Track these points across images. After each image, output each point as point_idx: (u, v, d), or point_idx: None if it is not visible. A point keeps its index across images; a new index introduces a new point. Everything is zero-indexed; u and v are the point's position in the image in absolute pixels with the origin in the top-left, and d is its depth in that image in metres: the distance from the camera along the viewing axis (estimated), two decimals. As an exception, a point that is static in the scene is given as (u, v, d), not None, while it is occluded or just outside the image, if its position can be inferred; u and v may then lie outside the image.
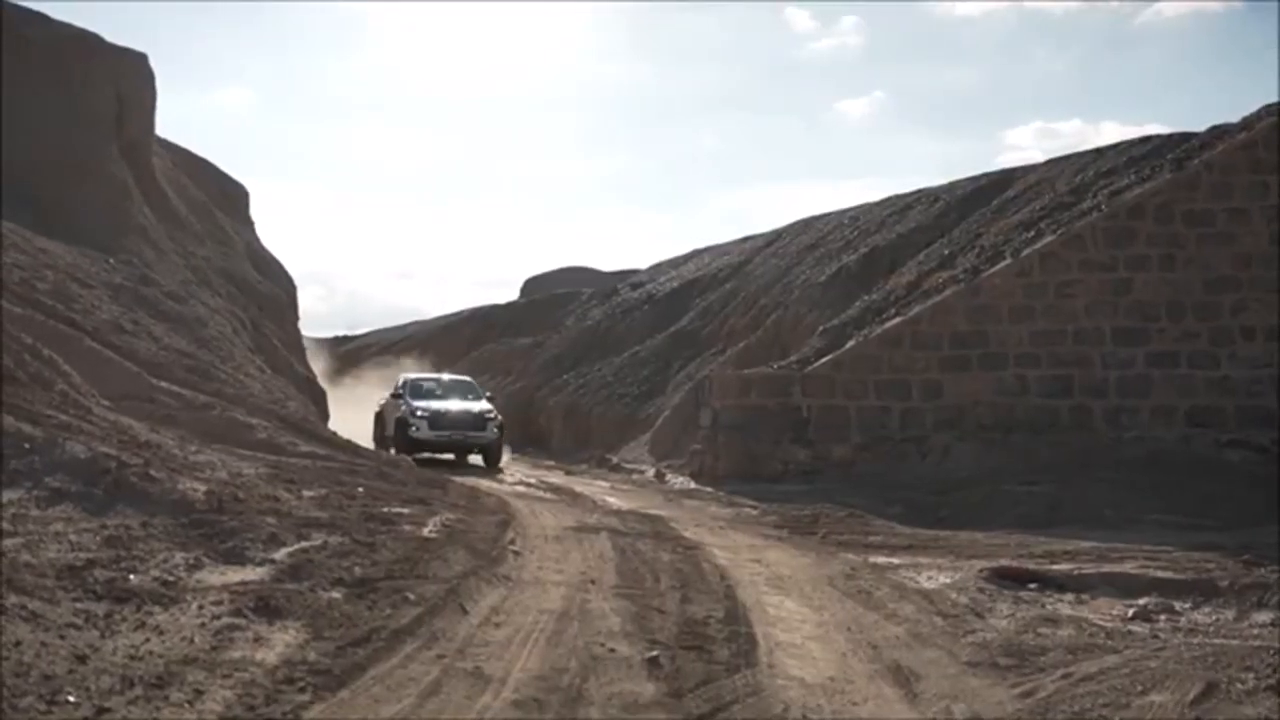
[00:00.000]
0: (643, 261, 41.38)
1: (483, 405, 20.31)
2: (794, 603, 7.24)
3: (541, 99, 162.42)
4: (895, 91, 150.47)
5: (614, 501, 13.95)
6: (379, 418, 21.44)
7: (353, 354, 42.29)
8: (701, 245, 35.66)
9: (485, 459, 19.59)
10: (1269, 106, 16.92)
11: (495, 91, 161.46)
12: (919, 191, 24.44)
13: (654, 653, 5.57)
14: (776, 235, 28.92)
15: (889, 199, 25.53)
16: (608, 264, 50.73)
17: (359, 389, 28.95)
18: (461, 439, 19.59)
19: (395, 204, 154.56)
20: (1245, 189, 15.64)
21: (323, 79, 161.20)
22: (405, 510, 9.02)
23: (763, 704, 5.01)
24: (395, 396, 20.69)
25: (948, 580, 8.35)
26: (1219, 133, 17.08)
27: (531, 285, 51.79)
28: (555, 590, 6.93)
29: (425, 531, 8.17)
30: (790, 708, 4.99)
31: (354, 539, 7.29)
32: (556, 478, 18.22)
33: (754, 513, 13.02)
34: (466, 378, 23.63)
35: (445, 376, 23.23)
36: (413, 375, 22.99)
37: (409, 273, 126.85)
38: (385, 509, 8.88)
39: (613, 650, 5.60)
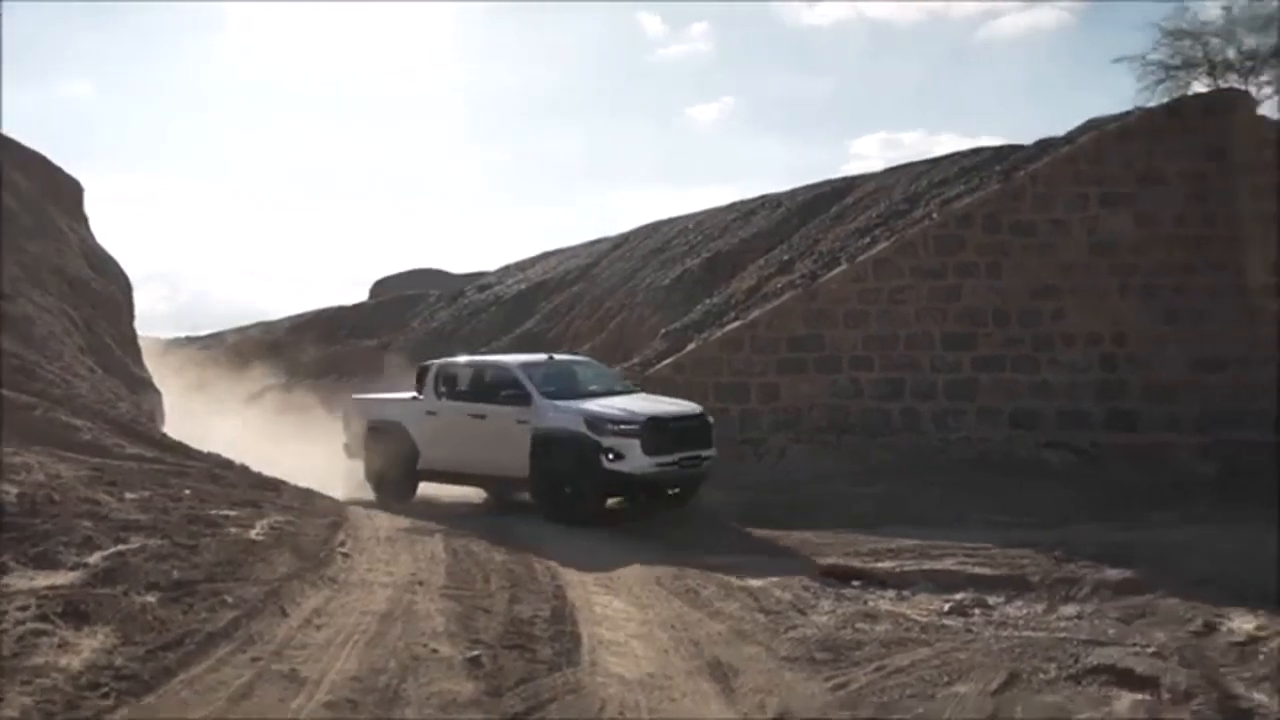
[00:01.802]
0: (493, 264, 40.90)
1: (687, 403, 12.99)
2: (622, 602, 7.16)
3: (397, 98, 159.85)
4: (745, 98, 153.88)
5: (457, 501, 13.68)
6: (378, 435, 13.55)
7: (198, 355, 40.45)
8: (551, 248, 35.48)
9: (688, 492, 12.55)
10: (1091, 121, 17.72)
11: (351, 90, 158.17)
12: (762, 198, 24.83)
13: (476, 652, 5.55)
14: (624, 239, 29.00)
15: (734, 204, 25.87)
16: (458, 266, 50.16)
17: (217, 390, 27.66)
18: (694, 465, 12.03)
19: (247, 202, 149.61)
20: (1067, 201, 16.29)
21: (176, 75, 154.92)
22: (233, 513, 8.61)
23: (581, 701, 4.96)
24: (419, 399, 13.39)
25: (774, 579, 8.35)
26: (1044, 146, 17.79)
27: (380, 287, 50.71)
28: (382, 592, 6.81)
29: (252, 534, 7.87)
30: (608, 705, 4.95)
31: (175, 542, 6.99)
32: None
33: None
34: (581, 356, 15.84)
35: (540, 356, 14.27)
36: (467, 358, 14.81)
37: (259, 272, 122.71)
38: (212, 511, 8.48)
39: (435, 650, 5.56)
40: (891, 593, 8.23)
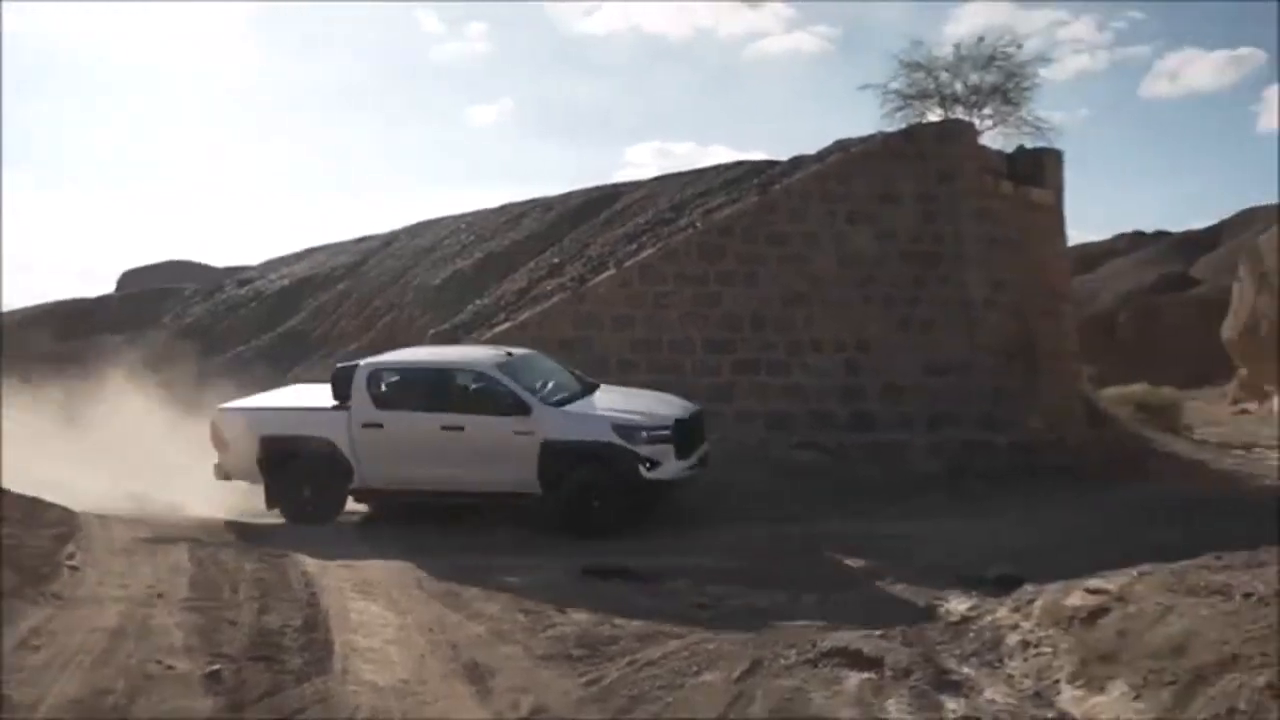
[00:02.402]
0: (256, 258, 39.28)
1: (676, 398, 12.74)
2: (379, 607, 7.14)
3: (157, 86, 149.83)
4: (524, 101, 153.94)
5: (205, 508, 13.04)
6: (285, 452, 11.80)
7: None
8: (318, 244, 34.35)
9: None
10: (840, 141, 18.89)
11: (108, 75, 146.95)
12: (534, 201, 25.01)
13: (216, 666, 5.32)
14: (394, 236, 28.46)
15: (505, 206, 25.91)
16: (219, 260, 47.89)
17: None
18: (703, 464, 12.14)
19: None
20: (817, 215, 17.31)
21: None
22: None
23: (330, 711, 4.92)
24: (346, 409, 11.77)
25: (538, 578, 8.57)
26: (798, 163, 18.83)
27: (130, 278, 47.76)
28: (114, 607, 6.42)
29: (-49, 550, 7.21)
30: (359, 712, 4.93)
31: None
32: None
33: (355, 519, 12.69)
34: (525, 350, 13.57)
35: (495, 351, 13.02)
36: (411, 354, 13.33)
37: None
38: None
39: (170, 667, 5.30)
40: (650, 588, 8.62)
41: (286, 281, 29.60)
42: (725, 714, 5.35)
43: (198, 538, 9.37)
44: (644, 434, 11.19)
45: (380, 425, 11.65)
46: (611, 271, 16.90)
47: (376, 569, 8.59)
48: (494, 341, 16.27)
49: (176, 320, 30.49)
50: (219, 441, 12.11)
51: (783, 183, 17.68)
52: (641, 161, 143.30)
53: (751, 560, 9.72)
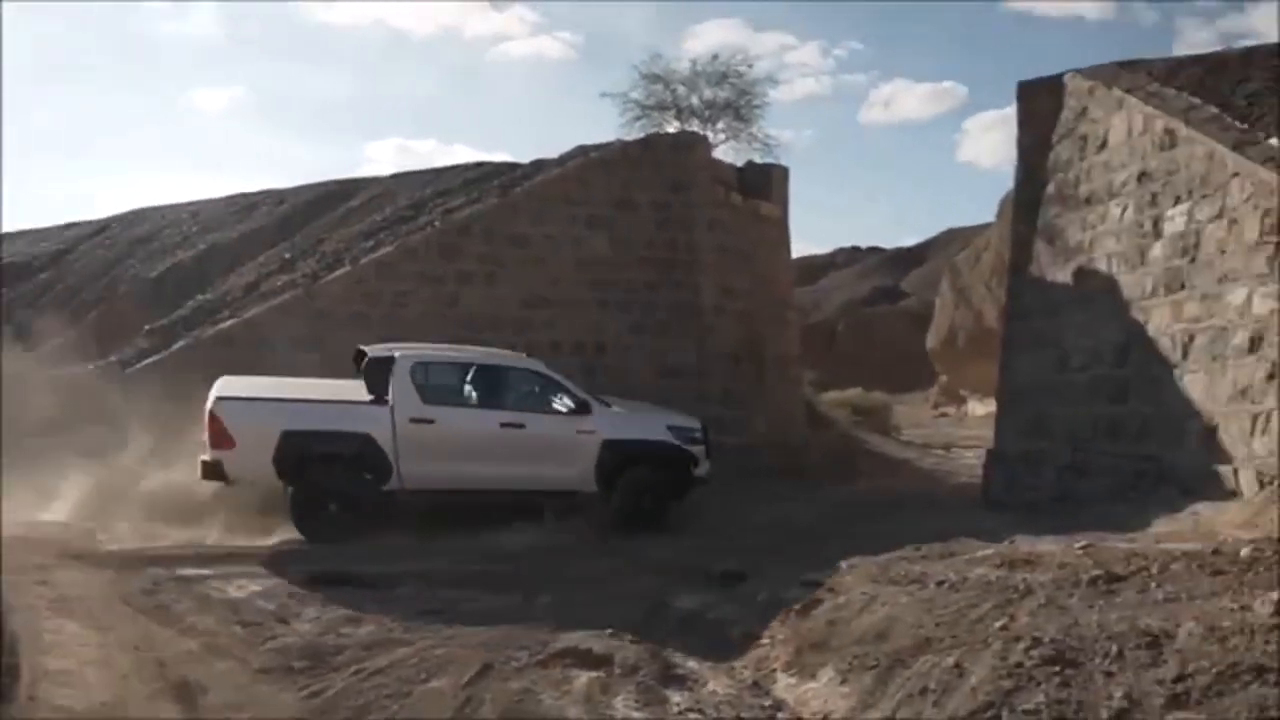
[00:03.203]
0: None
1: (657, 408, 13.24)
2: (77, 625, 6.58)
3: None
4: (258, 89, 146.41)
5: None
6: (312, 449, 10.79)
7: None
8: (17, 229, 31.28)
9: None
10: (581, 147, 19.14)
11: None
12: (265, 192, 23.89)
13: None
14: (106, 224, 26.40)
15: (233, 196, 24.61)
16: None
17: None
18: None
19: None
20: (558, 218, 17.49)
21: None
22: None
23: None
24: (387, 403, 11.06)
25: (258, 588, 8.17)
26: (539, 166, 18.94)
27: None
28: None
29: None
30: None
31: None
32: None
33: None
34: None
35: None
36: (450, 352, 12.72)
37: None
38: None
39: None
40: (380, 594, 8.40)
41: (-22, 269, 26.90)
42: (453, 719, 5.28)
43: None
44: (688, 435, 12.05)
45: (431, 421, 11.07)
46: (347, 269, 16.38)
47: (77, 584, 7.91)
48: (219, 339, 15.40)
49: None
50: (220, 436, 10.56)
51: (524, 185, 17.74)
52: (382, 158, 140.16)
53: (488, 564, 9.66)
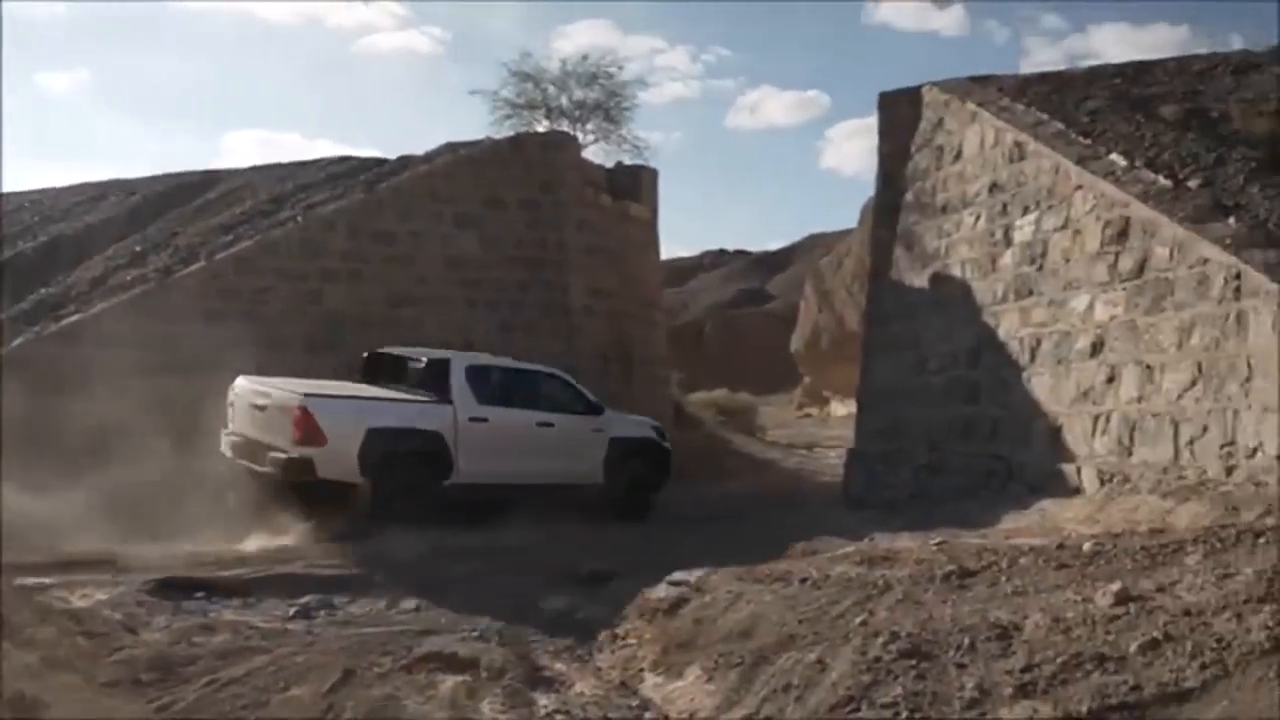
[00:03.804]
0: None
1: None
2: (-100, 641, 6.13)
3: None
4: (106, 73, 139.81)
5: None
6: (392, 445, 11.17)
7: None
8: None
9: None
10: (450, 144, 18.91)
11: None
12: (114, 182, 22.82)
13: None
14: (-64, 213, 24.81)
15: (79, 186, 23.43)
16: None
17: None
18: None
19: None
20: (425, 216, 17.25)
21: None
22: None
23: None
24: (441, 402, 11.69)
25: (104, 596, 7.79)
26: (406, 162, 18.63)
27: None
28: None
29: None
30: None
31: None
32: None
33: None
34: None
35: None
36: (494, 359, 13.16)
37: None
38: None
39: None
40: (236, 601, 8.11)
41: None
42: (315, 728, 5.14)
43: None
44: (664, 434, 13.94)
45: (485, 420, 11.86)
46: (203, 263, 15.78)
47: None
48: (63, 335, 14.63)
49: None
50: (313, 433, 10.72)
51: (391, 181, 17.44)
52: (241, 149, 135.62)
53: (347, 566, 9.45)
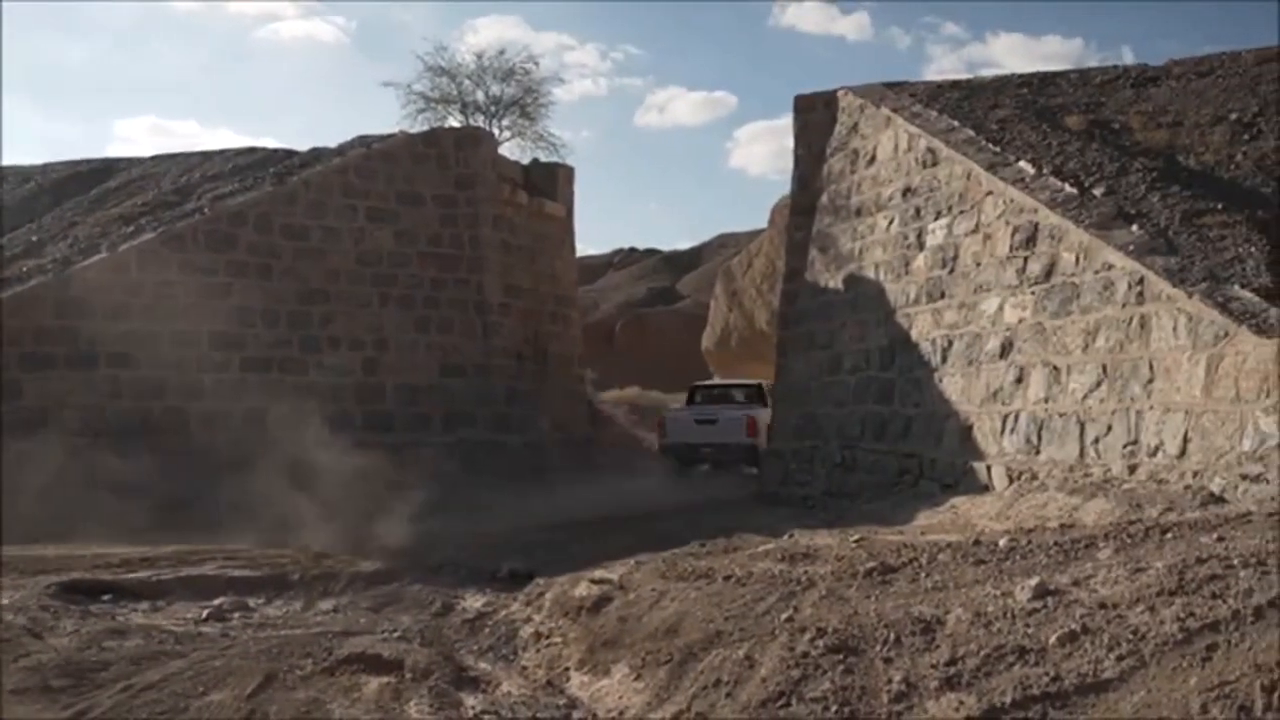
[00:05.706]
0: None
1: None
2: None
3: None
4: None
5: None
6: None
7: None
8: None
9: None
10: (362, 137, 18.62)
11: None
12: (7, 169, 21.91)
13: None
14: None
15: (-35, 173, 22.44)
16: None
17: None
18: None
19: None
20: (337, 210, 16.95)
21: None
22: None
23: None
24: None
25: (5, 600, 7.47)
26: (318, 154, 18.29)
27: None
28: None
29: None
30: None
31: None
32: None
33: None
34: None
35: None
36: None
37: None
38: None
39: None
40: (145, 604, 7.87)
41: None
42: (237, 733, 5.01)
43: None
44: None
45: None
46: (104, 255, 15.27)
47: None
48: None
49: None
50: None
51: (301, 174, 17.11)
52: (134, 137, 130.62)
53: (259, 566, 9.24)
